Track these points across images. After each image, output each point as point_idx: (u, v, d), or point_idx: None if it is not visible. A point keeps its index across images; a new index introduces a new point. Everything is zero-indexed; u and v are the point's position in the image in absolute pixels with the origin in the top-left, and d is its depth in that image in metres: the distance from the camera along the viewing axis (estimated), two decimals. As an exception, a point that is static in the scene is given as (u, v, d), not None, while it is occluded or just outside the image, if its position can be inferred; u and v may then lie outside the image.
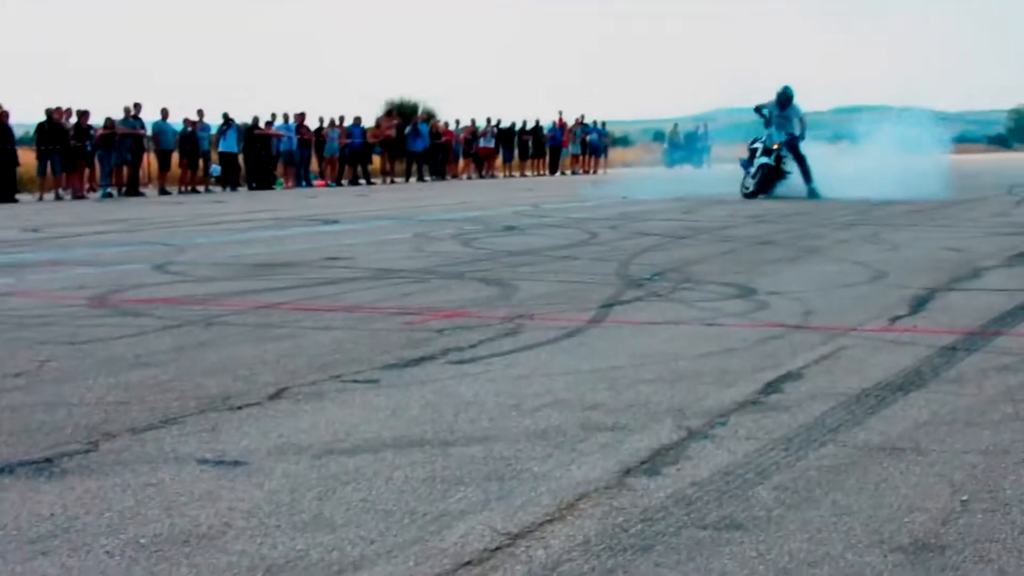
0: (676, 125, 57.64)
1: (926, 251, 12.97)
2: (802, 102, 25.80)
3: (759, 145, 25.40)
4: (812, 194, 24.82)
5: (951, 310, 8.64)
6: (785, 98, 25.49)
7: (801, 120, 25.65)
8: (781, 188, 25.42)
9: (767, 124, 25.37)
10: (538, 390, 6.04)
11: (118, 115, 31.91)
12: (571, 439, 5.13)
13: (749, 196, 24.66)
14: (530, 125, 47.92)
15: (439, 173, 42.21)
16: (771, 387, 6.03)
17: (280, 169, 36.96)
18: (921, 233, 15.42)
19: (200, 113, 34.59)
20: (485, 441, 5.12)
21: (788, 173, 25.40)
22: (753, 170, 25.27)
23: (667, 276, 10.86)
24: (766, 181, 25.08)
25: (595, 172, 49.51)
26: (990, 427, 5.25)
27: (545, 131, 48.29)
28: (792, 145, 25.27)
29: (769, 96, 25.88)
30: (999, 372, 6.34)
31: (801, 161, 25.39)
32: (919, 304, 8.93)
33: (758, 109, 25.78)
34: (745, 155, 26.17)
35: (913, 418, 5.40)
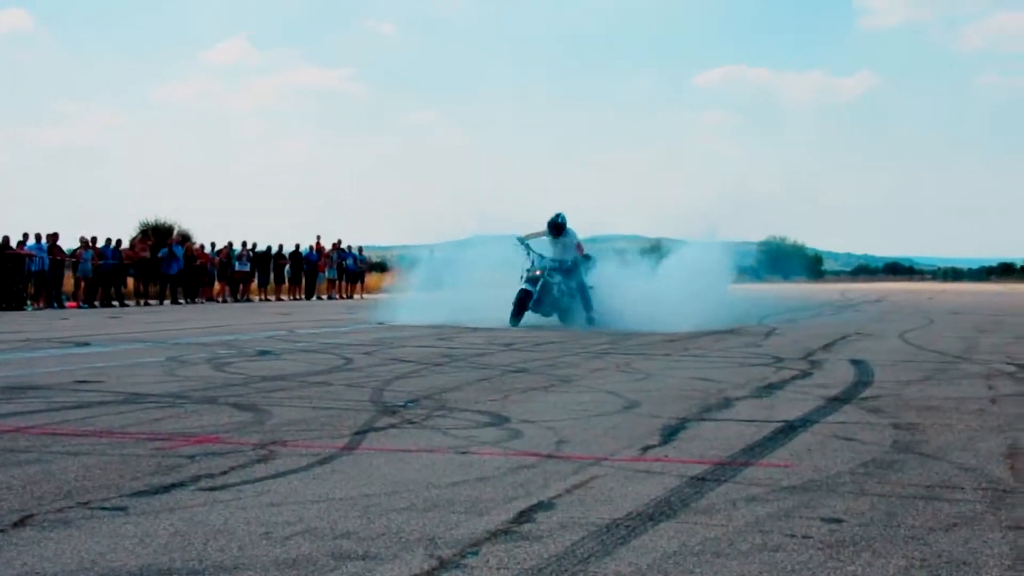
0: (433, 251, 57.90)
1: (678, 381, 13.25)
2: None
3: (523, 274, 25.38)
4: (590, 322, 25.07)
5: (702, 440, 8.82)
6: (558, 226, 25.63)
7: (579, 246, 25.86)
8: (556, 316, 25.66)
9: (528, 254, 25.39)
10: (289, 518, 5.97)
11: None
12: (321, 568, 5.08)
13: (512, 324, 24.71)
14: (287, 249, 47.70)
15: (194, 296, 41.61)
16: (523, 516, 6.07)
17: (31, 290, 35.93)
18: (673, 363, 15.76)
19: (-51, 233, 33.53)
20: (234, 570, 5.03)
21: (558, 298, 25.45)
22: (515, 297, 25.23)
23: (421, 403, 10.87)
24: (521, 307, 25.11)
25: (352, 297, 49.45)
26: (738, 557, 5.37)
27: (302, 255, 48.08)
28: (569, 271, 25.48)
29: (533, 227, 26.10)
30: (748, 502, 6.51)
31: (582, 289, 25.60)
32: (670, 434, 9.11)
33: (523, 240, 25.78)
34: (494, 284, 26.12)
35: (663, 548, 5.49)
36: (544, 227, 25.88)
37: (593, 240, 34.65)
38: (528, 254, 25.57)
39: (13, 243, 34.87)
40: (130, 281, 40.53)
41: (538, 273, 25.16)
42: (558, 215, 25.78)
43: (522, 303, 25.14)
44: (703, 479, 7.19)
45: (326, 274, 49.50)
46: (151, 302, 39.92)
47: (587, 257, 26.04)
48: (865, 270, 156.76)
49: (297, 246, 47.98)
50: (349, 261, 50.69)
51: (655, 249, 37.39)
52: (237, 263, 44.29)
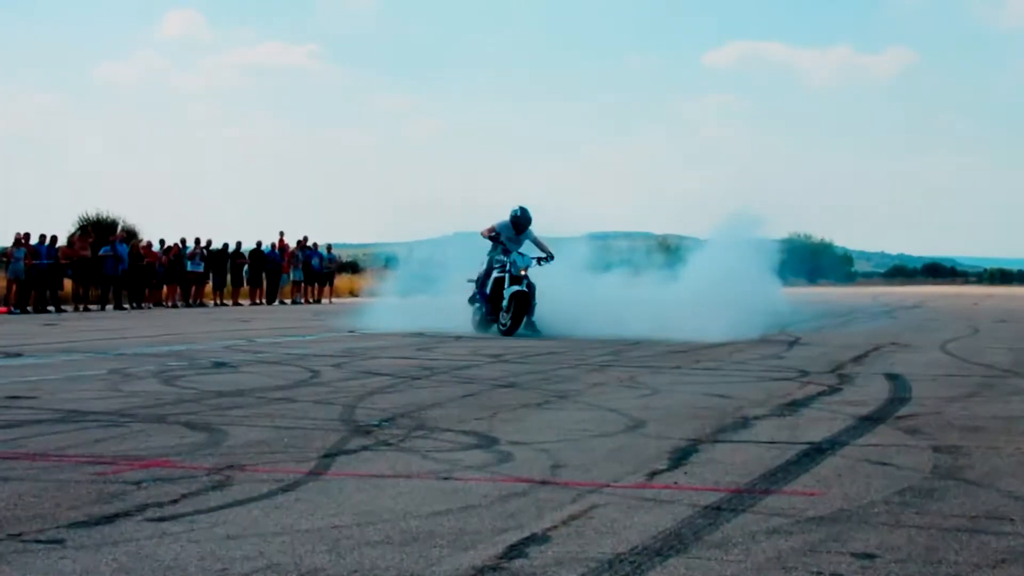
0: (411, 250, 57.60)
1: (689, 397, 13.24)
2: (548, 225, 25.94)
3: (503, 275, 25.09)
4: (530, 327, 25.14)
5: (716, 464, 8.82)
6: (526, 220, 25.60)
7: (537, 243, 25.76)
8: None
9: (505, 252, 25.20)
10: (249, 552, 5.96)
11: None
12: (286, 610, 5.07)
13: (506, 333, 24.54)
14: (246, 247, 47.54)
15: (140, 300, 41.55)
16: (514, 551, 6.06)
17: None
18: (684, 377, 15.76)
19: None
20: (187, 612, 5.02)
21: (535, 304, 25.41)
22: (505, 303, 24.95)
23: (398, 422, 10.87)
24: (521, 312, 25.13)
25: (319, 302, 49.39)
26: (756, 597, 5.38)
27: (263, 254, 47.84)
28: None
29: (491, 219, 25.87)
30: (768, 535, 6.50)
31: (532, 291, 25.44)
32: (681, 457, 9.10)
33: (496, 236, 25.51)
34: (470, 288, 25.99)
35: (671, 586, 5.49)
36: (498, 221, 25.66)
37: (593, 238, 34.57)
38: (504, 251, 25.27)
39: (-65, 241, 34.84)
40: (68, 283, 40.44)
41: (524, 272, 25.00)
42: (524, 209, 25.66)
43: (522, 307, 24.89)
44: (718, 508, 7.19)
45: (290, 275, 49.33)
46: (92, 307, 39.86)
47: (550, 256, 25.81)
48: (901, 272, 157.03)
49: (258, 244, 47.86)
50: (316, 261, 50.53)
51: (669, 248, 37.36)
52: (189, 263, 44.20)
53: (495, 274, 25.11)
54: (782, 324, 28.60)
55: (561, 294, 25.99)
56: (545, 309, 25.22)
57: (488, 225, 25.80)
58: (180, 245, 44.31)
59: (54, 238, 39.15)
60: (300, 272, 49.45)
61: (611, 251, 33.55)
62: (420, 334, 24.50)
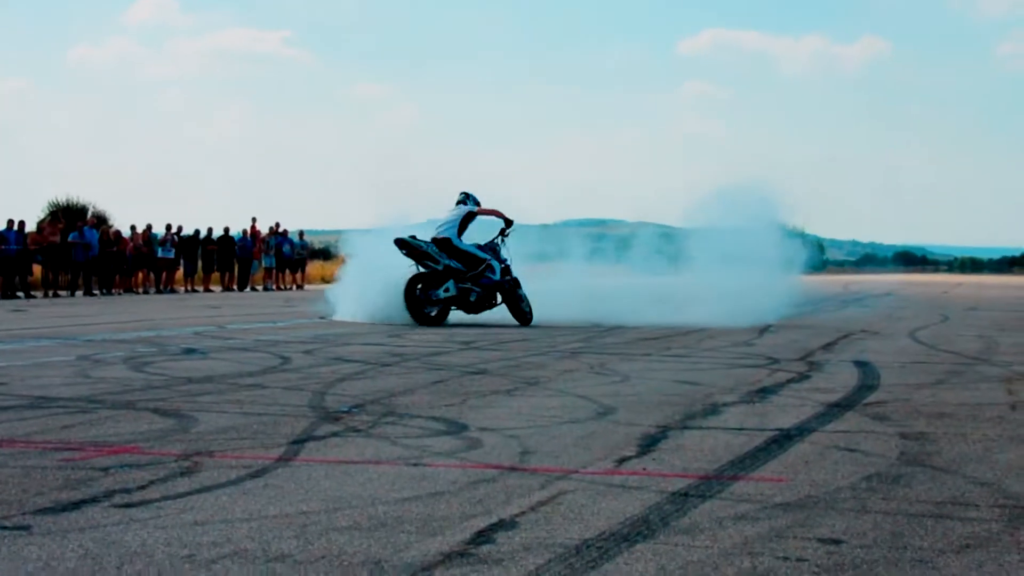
0: (381, 236, 57.09)
1: (659, 384, 13.26)
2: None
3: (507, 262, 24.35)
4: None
5: (684, 451, 8.84)
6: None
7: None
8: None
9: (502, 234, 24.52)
10: (216, 538, 5.96)
11: None
12: (253, 595, 5.07)
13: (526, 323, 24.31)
14: (217, 233, 47.35)
15: (110, 286, 41.40)
16: (482, 536, 6.07)
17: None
18: (654, 363, 15.79)
19: None
20: (153, 598, 5.01)
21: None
22: (524, 290, 24.32)
23: (368, 409, 10.86)
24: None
25: (291, 288, 49.28)
26: (722, 582, 5.39)
27: (235, 240, 47.66)
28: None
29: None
30: (736, 521, 6.52)
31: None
32: (649, 444, 9.12)
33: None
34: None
35: (639, 573, 5.50)
36: (458, 206, 25.05)
37: (568, 224, 34.62)
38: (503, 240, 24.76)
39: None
40: (37, 269, 40.26)
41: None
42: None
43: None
44: (686, 495, 7.21)
45: (261, 262, 49.17)
46: (61, 293, 39.72)
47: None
48: (872, 260, 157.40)
49: (226, 230, 47.69)
50: (287, 247, 50.35)
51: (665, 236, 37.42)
52: (160, 249, 44.04)
53: (501, 263, 24.35)
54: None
55: (548, 284, 25.98)
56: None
57: (489, 206, 24.93)
58: (149, 231, 44.07)
59: (22, 223, 38.89)
60: (272, 258, 49.29)
61: (593, 239, 33.55)
62: (391, 321, 24.43)
